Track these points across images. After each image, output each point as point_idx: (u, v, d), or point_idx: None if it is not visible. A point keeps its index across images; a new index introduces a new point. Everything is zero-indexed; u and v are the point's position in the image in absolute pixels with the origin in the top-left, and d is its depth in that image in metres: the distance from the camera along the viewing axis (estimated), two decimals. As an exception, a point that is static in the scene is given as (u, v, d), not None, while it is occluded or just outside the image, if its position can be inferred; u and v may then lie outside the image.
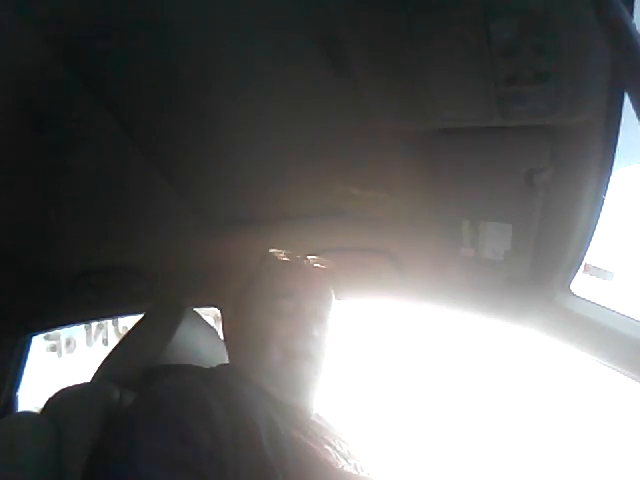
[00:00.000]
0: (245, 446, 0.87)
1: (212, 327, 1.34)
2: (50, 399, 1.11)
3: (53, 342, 3.22)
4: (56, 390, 1.14)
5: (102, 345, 3.26)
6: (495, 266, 1.18)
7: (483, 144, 0.94)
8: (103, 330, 3.30)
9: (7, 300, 1.59)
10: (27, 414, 1.12)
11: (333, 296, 1.17)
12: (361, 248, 1.36)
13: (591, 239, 1.14)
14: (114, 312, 1.88)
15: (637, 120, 0.50)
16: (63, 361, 3.23)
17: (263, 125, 1.03)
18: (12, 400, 1.81)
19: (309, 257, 1.23)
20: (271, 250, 1.21)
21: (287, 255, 1.21)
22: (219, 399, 0.92)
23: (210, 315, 1.66)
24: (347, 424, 1.20)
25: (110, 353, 1.24)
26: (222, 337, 1.24)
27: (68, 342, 3.29)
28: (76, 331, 3.26)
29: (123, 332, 2.33)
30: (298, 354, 1.06)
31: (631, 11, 0.64)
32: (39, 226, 1.31)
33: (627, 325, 1.22)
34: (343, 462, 1.01)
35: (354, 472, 1.02)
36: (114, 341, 2.99)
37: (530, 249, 1.14)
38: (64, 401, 1.10)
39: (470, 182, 1.01)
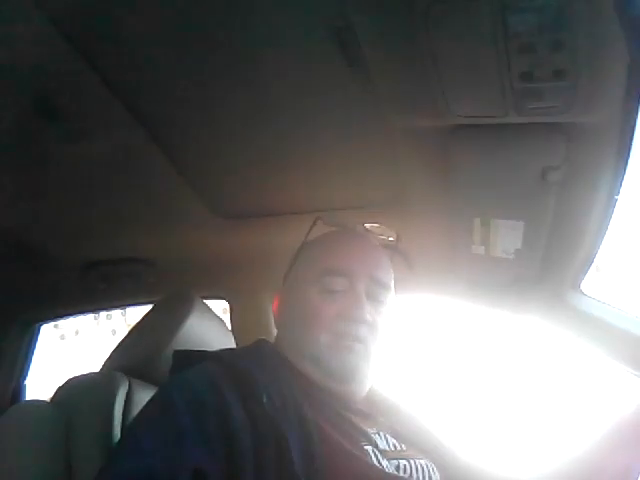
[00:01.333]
0: (266, 444, 0.80)
1: (221, 319, 1.34)
2: (59, 388, 1.11)
3: (62, 331, 3.25)
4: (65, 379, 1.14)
5: (110, 335, 3.28)
6: (505, 264, 1.17)
7: (497, 141, 0.93)
8: (111, 321, 3.32)
9: (17, 289, 1.60)
10: (36, 402, 1.12)
11: (392, 276, 1.04)
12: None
13: (603, 239, 1.13)
14: (124, 302, 1.88)
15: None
16: (70, 348, 3.26)
17: (275, 119, 1.03)
18: (21, 389, 1.83)
19: (366, 225, 1.12)
20: (322, 215, 1.11)
21: (340, 223, 1.10)
22: (241, 395, 0.84)
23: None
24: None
25: (119, 342, 1.24)
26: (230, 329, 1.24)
27: (77, 332, 3.32)
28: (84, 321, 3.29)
29: (132, 323, 2.35)
30: (348, 337, 0.95)
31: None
32: (51, 216, 1.32)
33: (638, 326, 1.21)
34: (385, 463, 0.88)
35: (394, 473, 0.88)
36: (123, 331, 3.01)
37: (541, 248, 1.13)
38: (73, 390, 1.10)
39: (483, 179, 1.00)
